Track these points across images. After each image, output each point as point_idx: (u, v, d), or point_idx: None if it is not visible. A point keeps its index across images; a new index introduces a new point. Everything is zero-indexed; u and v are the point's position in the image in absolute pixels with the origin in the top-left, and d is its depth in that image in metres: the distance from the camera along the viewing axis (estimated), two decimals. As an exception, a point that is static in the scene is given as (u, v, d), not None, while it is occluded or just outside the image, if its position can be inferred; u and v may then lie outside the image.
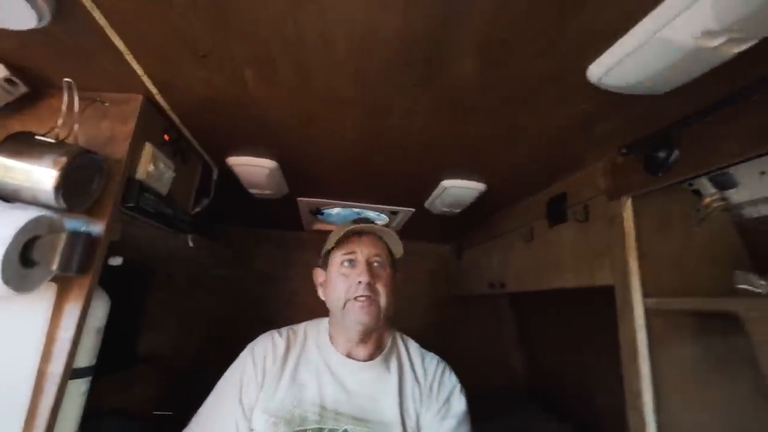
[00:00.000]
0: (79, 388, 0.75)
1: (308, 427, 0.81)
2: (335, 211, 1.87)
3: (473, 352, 2.24)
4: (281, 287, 2.14)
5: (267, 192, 1.37)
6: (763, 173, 0.86)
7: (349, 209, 1.81)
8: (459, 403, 0.90)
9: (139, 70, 0.73)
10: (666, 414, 0.84)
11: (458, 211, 1.47)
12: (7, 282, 0.60)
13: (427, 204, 1.51)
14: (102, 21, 0.59)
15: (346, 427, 0.82)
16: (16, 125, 0.75)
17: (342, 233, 0.92)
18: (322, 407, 0.84)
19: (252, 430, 0.82)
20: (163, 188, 0.93)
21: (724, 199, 0.96)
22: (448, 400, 0.90)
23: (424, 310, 2.25)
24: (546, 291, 1.26)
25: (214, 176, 1.24)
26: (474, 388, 2.17)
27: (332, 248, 0.95)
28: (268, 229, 2.22)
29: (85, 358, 0.76)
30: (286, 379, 0.87)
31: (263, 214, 1.88)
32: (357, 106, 0.83)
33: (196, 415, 0.87)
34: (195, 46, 0.66)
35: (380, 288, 0.89)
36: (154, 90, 0.79)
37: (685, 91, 0.65)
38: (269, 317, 2.07)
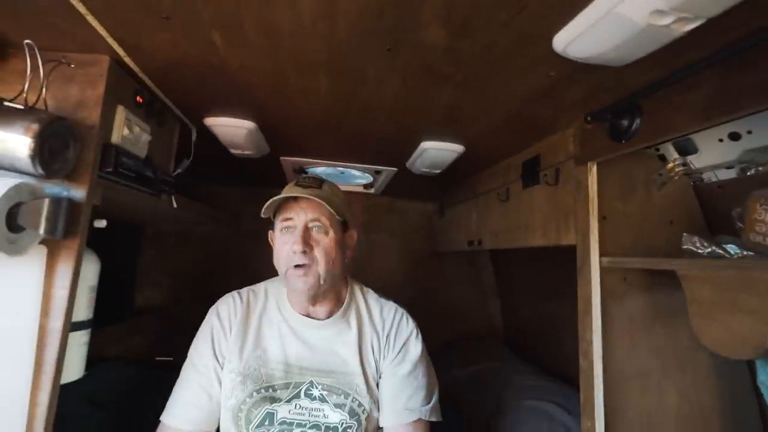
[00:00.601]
0: (79, 339, 0.82)
1: (275, 383, 0.87)
2: (320, 170, 1.89)
3: (455, 303, 2.39)
4: (267, 243, 2.20)
5: (247, 152, 1.37)
6: (721, 140, 0.90)
7: (332, 168, 1.83)
8: (415, 348, 0.95)
9: (103, 32, 0.71)
10: (612, 360, 0.94)
11: (438, 171, 1.50)
12: (-4, 246, 0.64)
13: (408, 164, 1.54)
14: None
15: (311, 378, 0.89)
16: (-17, 90, 0.74)
17: (276, 200, 0.89)
18: (287, 364, 0.89)
19: (217, 387, 0.88)
20: (141, 151, 0.94)
21: (685, 164, 1.01)
22: (404, 345, 0.95)
23: (408, 265, 2.36)
24: (522, 247, 1.33)
25: (194, 137, 1.24)
26: (455, 335, 2.34)
27: (275, 212, 0.93)
28: (254, 188, 2.24)
29: (82, 312, 0.82)
30: (251, 339, 0.91)
31: (247, 174, 1.89)
32: (329, 70, 0.83)
33: (176, 384, 0.91)
34: (157, 7, 0.64)
35: (318, 255, 0.86)
36: (121, 51, 0.78)
37: (645, 63, 0.66)
38: (257, 271, 2.15)
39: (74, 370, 0.81)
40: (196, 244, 2.16)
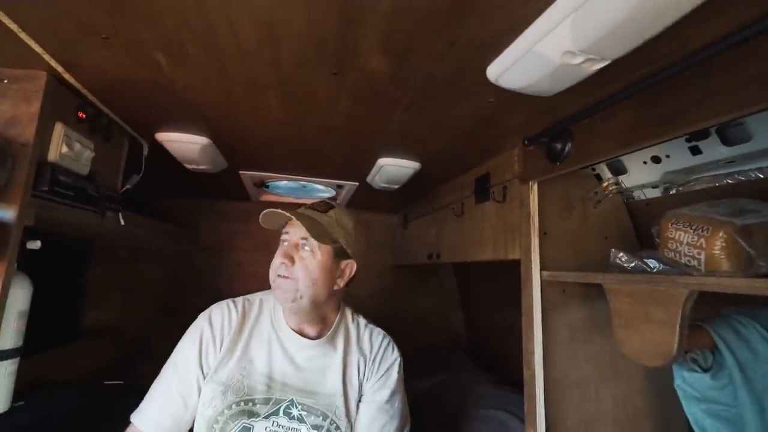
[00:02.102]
0: (6, 369, 0.77)
1: (255, 396, 0.86)
2: (282, 183, 1.88)
3: (419, 315, 2.42)
4: (227, 258, 2.16)
5: (203, 167, 1.35)
6: (645, 162, 0.99)
7: (294, 182, 1.83)
8: (396, 377, 0.97)
9: (37, 48, 0.69)
10: (553, 368, 0.99)
11: (396, 187, 1.54)
12: None
13: (368, 179, 1.56)
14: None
15: (292, 397, 0.88)
16: None
17: (284, 218, 0.91)
18: (270, 378, 0.88)
19: (195, 396, 0.86)
20: (83, 168, 0.91)
21: (617, 183, 1.09)
22: (388, 371, 0.97)
23: (373, 278, 2.37)
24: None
25: (145, 152, 1.21)
26: (419, 346, 2.36)
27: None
28: (215, 201, 2.19)
29: (10, 340, 0.77)
30: (239, 350, 0.89)
31: (206, 186, 1.86)
32: (279, 91, 0.84)
33: (154, 383, 0.88)
34: (94, 28, 0.64)
35: (299, 272, 0.87)
36: (59, 68, 0.76)
37: (572, 93, 0.73)
38: (215, 288, 2.10)
39: (0, 402, 0.75)
40: (150, 258, 2.08)
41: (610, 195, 1.11)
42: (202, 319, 0.94)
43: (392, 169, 1.36)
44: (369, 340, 1.01)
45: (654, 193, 1.08)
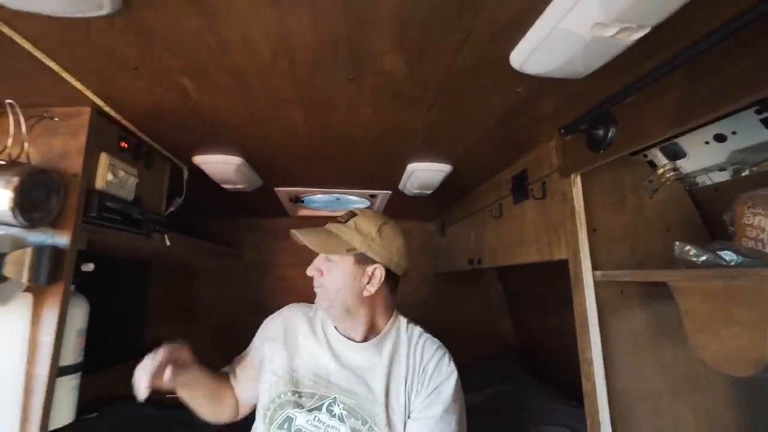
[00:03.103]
0: (68, 384, 0.82)
1: (302, 390, 0.92)
2: (317, 197, 1.91)
3: (465, 324, 2.32)
4: (271, 274, 2.21)
5: (239, 186, 1.40)
6: (707, 143, 0.87)
7: (328, 195, 1.85)
8: (451, 392, 0.91)
9: (79, 86, 0.75)
10: (617, 380, 0.89)
11: (430, 192, 1.49)
12: (-22, 298, 0.65)
13: (400, 187, 1.54)
14: (26, 44, 0.61)
15: (335, 395, 0.91)
16: (-28, 149, 0.78)
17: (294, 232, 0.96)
18: (317, 375, 0.93)
19: (260, 383, 0.96)
20: (128, 194, 0.97)
21: (675, 169, 0.97)
22: (440, 386, 0.92)
23: (414, 288, 2.31)
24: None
25: (185, 175, 1.27)
26: (468, 356, 2.27)
27: None
28: (255, 218, 2.27)
29: (70, 356, 0.82)
30: (296, 347, 0.98)
31: (245, 205, 1.93)
32: (300, 104, 0.85)
33: (237, 358, 1.07)
34: (124, 59, 0.68)
35: (326, 282, 0.93)
36: (100, 102, 0.82)
37: (609, 71, 0.65)
38: (262, 303, 2.16)
39: (64, 415, 0.80)
40: (200, 277, 2.19)
41: (668, 182, 0.99)
42: (277, 316, 1.07)
43: (423, 173, 1.32)
44: (421, 351, 0.96)
45: (722, 177, 0.94)
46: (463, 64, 0.69)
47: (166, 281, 2.11)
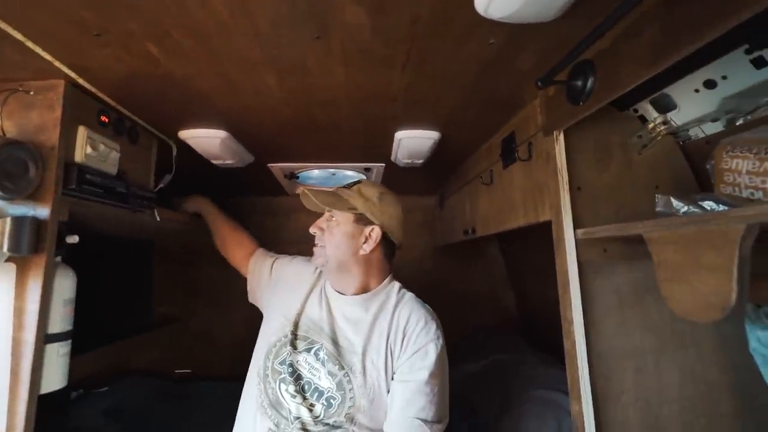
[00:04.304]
0: (58, 351, 0.85)
1: (299, 333, 1.02)
2: (314, 173, 1.90)
3: (468, 297, 2.32)
4: (272, 251, 2.24)
5: (229, 161, 1.41)
6: (697, 91, 0.83)
7: (324, 171, 1.84)
8: (434, 357, 0.94)
9: (48, 57, 0.75)
10: (598, 339, 0.88)
11: (421, 161, 1.47)
12: (-40, 265, 0.68)
13: (392, 158, 1.52)
14: (-16, 13, 0.61)
15: (323, 342, 1.00)
16: (-51, 123, 0.80)
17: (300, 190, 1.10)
18: (313, 321, 1.04)
19: (268, 317, 1.12)
20: (111, 168, 0.98)
21: (666, 122, 0.93)
22: (423, 348, 0.95)
23: (416, 262, 2.31)
24: (529, 229, 1.27)
25: (174, 152, 1.28)
26: (469, 328, 2.28)
27: None
28: (254, 197, 2.28)
29: (59, 325, 0.85)
30: (302, 296, 1.08)
31: (242, 184, 1.94)
32: (270, 67, 0.83)
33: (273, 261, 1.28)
34: (85, 25, 0.67)
35: (326, 238, 1.04)
36: (73, 74, 0.82)
37: (581, 12, 0.62)
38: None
39: (55, 380, 0.84)
40: (203, 255, 2.23)
41: (659, 137, 0.95)
42: (292, 260, 1.26)
43: (411, 141, 1.30)
44: (408, 313, 1.01)
45: (715, 128, 0.90)
46: (427, 14, 0.66)
47: (170, 260, 2.16)
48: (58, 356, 0.84)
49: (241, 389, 1.08)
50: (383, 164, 1.67)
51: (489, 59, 0.82)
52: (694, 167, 0.97)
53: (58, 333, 0.84)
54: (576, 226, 0.89)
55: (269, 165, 1.66)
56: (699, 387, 0.88)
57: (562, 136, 0.91)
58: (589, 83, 0.76)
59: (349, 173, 1.89)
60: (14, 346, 0.76)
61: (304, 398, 0.95)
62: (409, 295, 1.07)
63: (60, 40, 0.71)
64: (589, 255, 0.89)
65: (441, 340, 0.97)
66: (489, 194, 1.37)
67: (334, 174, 1.90)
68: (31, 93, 0.83)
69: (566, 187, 0.89)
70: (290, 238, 2.27)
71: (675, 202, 0.74)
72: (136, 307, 1.98)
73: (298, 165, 1.71)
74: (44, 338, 0.80)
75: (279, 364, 1.00)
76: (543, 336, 1.99)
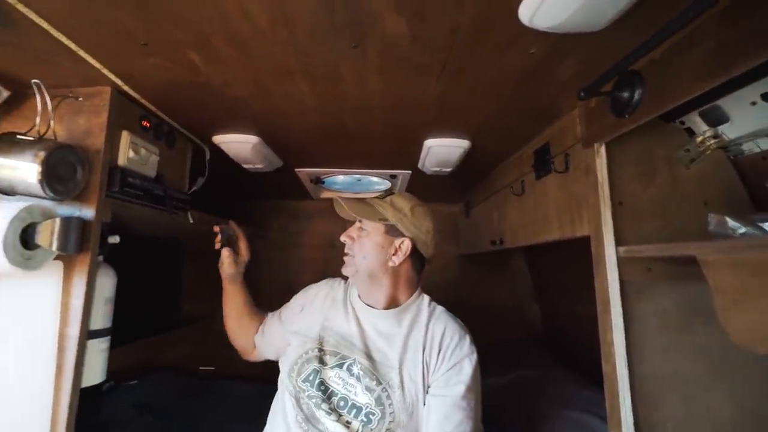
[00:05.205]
0: (98, 347, 0.89)
1: (326, 348, 1.00)
2: (339, 178, 1.91)
3: (491, 308, 2.27)
4: (295, 255, 2.27)
5: (258, 166, 1.43)
6: (754, 103, 0.77)
7: (350, 176, 1.85)
8: (470, 371, 0.93)
9: (97, 64, 0.78)
10: (641, 363, 0.83)
11: (449, 170, 1.45)
12: (13, 263, 0.71)
13: (420, 165, 1.51)
14: (43, 23, 0.65)
15: (355, 357, 0.98)
16: (7, 126, 0.84)
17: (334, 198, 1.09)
18: (341, 336, 1.02)
19: (289, 344, 1.07)
20: (150, 171, 1.01)
21: (717, 136, 0.88)
22: (459, 364, 0.94)
23: (439, 271, 2.28)
24: (559, 242, 1.23)
25: (207, 156, 1.31)
26: (493, 343, 2.23)
27: None
28: (280, 201, 2.32)
29: (99, 321, 0.88)
30: (326, 313, 1.07)
31: (269, 187, 1.97)
32: (304, 74, 0.84)
33: (271, 315, 1.20)
34: (134, 35, 0.70)
35: (356, 248, 1.04)
36: (119, 81, 0.85)
37: (630, 22, 0.59)
38: (287, 282, 2.22)
39: (95, 374, 0.87)
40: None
41: (708, 151, 0.89)
42: (309, 287, 1.19)
43: (440, 149, 1.29)
44: (442, 327, 1.00)
45: (773, 143, 0.84)
46: (468, 23, 0.65)
47: (198, 259, 2.22)
48: (98, 352, 0.87)
49: (263, 390, 1.09)
50: (409, 171, 1.66)
51: (528, 69, 0.80)
52: (748, 184, 0.91)
53: (99, 329, 0.87)
54: (617, 243, 0.84)
55: (296, 170, 1.68)
56: (752, 420, 0.81)
57: (603, 149, 0.87)
58: (636, 95, 0.72)
59: (375, 179, 1.89)
60: (60, 340, 0.80)
61: (340, 415, 0.94)
62: (440, 309, 1.06)
63: (109, 49, 0.74)
64: (631, 274, 0.84)
65: (475, 355, 0.97)
66: (520, 205, 1.33)
67: (359, 180, 1.90)
68: (80, 99, 0.87)
69: (607, 201, 0.86)
70: (312, 242, 2.30)
71: (731, 222, 0.69)
72: (166, 305, 2.04)
73: (325, 170, 1.72)
74: (87, 334, 0.83)
75: (302, 381, 0.98)
76: (570, 352, 1.91)
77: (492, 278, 2.31)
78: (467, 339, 0.99)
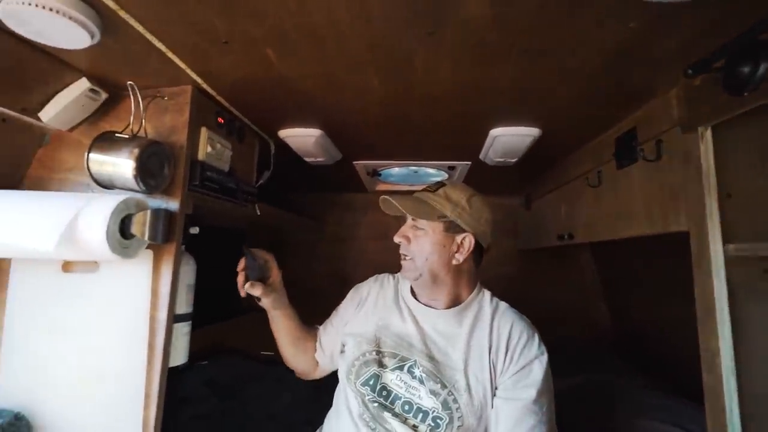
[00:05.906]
0: (182, 330, 0.95)
1: (385, 350, 0.96)
2: (395, 171, 1.90)
3: (552, 306, 2.15)
4: (351, 247, 2.30)
5: (320, 159, 1.45)
6: None
7: (406, 168, 1.83)
8: (540, 375, 0.87)
9: (182, 65, 0.82)
10: (749, 375, 0.73)
11: (514, 160, 1.38)
12: (114, 251, 0.78)
13: (482, 156, 1.45)
14: (140, 28, 0.69)
15: (416, 358, 0.93)
16: (105, 126, 0.92)
17: (384, 198, 1.01)
18: (399, 337, 0.97)
19: (344, 345, 1.03)
20: (224, 165, 1.06)
21: None
22: (528, 366, 0.88)
23: (495, 265, 2.21)
24: (632, 237, 1.12)
25: (272, 150, 1.36)
26: (555, 344, 2.12)
27: None
28: (337, 193, 2.36)
29: (183, 306, 0.95)
30: (380, 312, 1.04)
31: (327, 180, 2.01)
32: (376, 67, 0.82)
33: (324, 325, 1.16)
34: (216, 34, 0.72)
35: (414, 250, 0.97)
36: (199, 80, 0.89)
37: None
38: (343, 275, 2.27)
39: (179, 355, 0.94)
40: (289, 249, 2.37)
41: None
42: (359, 285, 1.16)
43: (507, 139, 1.22)
44: (509, 326, 0.93)
45: None
46: (557, -2, 0.59)
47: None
48: (182, 335, 0.94)
49: (327, 381, 1.09)
50: (469, 162, 1.60)
51: (622, 46, 0.72)
52: None
53: (183, 314, 0.94)
54: (725, 241, 0.74)
55: (354, 162, 1.68)
56: None
57: (709, 133, 0.76)
58: (761, 69, 0.62)
59: (431, 171, 1.85)
60: (151, 323, 0.86)
61: (405, 419, 0.90)
62: (504, 306, 1.00)
63: (192, 48, 0.78)
64: (741, 276, 0.74)
65: (545, 355, 0.90)
66: (596, 197, 1.23)
67: (416, 172, 1.88)
68: (166, 98, 0.92)
69: (714, 193, 0.76)
70: (367, 234, 2.31)
71: None
72: (230, 293, 2.17)
73: (383, 162, 1.71)
74: (173, 318, 0.89)
75: (362, 385, 0.94)
76: (648, 357, 1.76)
77: (553, 274, 2.19)
78: (536, 338, 0.93)
